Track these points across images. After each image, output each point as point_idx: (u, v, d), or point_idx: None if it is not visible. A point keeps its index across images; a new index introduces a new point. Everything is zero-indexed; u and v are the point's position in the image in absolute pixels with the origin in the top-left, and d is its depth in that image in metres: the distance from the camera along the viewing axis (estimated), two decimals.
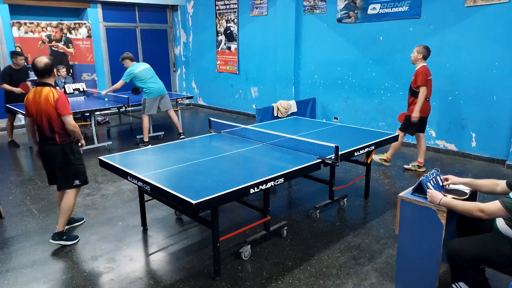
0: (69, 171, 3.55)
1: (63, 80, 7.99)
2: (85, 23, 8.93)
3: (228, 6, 9.43)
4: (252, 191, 2.81)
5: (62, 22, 8.62)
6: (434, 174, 2.76)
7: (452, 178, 2.78)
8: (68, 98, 8.37)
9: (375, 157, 5.69)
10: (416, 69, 5.12)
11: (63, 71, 8.02)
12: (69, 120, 3.41)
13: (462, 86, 5.93)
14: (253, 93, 9.37)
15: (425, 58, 5.11)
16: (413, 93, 5.16)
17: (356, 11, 6.99)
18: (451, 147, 6.22)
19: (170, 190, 2.70)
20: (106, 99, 7.48)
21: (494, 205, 2.27)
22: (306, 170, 3.28)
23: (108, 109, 6.96)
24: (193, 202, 2.49)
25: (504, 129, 5.60)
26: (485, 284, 2.79)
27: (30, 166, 6.08)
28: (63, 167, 3.52)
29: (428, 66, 5.00)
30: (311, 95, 7.97)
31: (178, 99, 7.86)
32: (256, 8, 8.75)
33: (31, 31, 8.19)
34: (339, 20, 7.28)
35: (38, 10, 8.51)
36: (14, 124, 7.26)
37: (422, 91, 5.00)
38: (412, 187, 2.73)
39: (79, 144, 3.63)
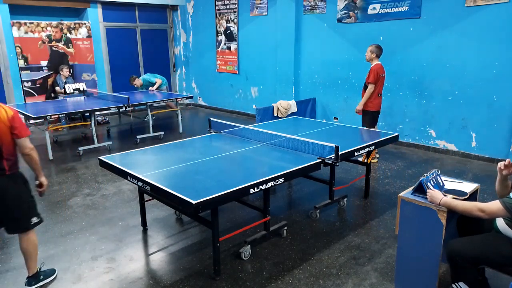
0: (24, 207, 2.84)
1: (64, 80, 7.99)
2: (85, 23, 8.93)
3: (228, 6, 9.42)
4: (252, 191, 2.81)
5: (62, 22, 8.61)
6: (434, 174, 2.76)
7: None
8: (68, 98, 8.35)
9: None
10: (370, 66, 5.44)
11: (66, 71, 8.02)
12: (28, 143, 2.76)
13: (462, 86, 5.93)
14: (253, 93, 9.37)
15: (378, 56, 5.46)
16: (366, 89, 5.52)
17: (356, 11, 6.99)
18: (451, 147, 6.22)
19: (170, 190, 2.70)
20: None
21: (494, 205, 2.28)
22: (306, 170, 3.28)
23: (108, 109, 6.96)
24: (193, 202, 2.49)
25: (504, 129, 5.60)
26: (485, 284, 2.79)
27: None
28: (17, 203, 2.79)
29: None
30: (311, 95, 7.96)
31: (178, 99, 7.86)
32: (256, 8, 8.74)
33: (31, 31, 8.19)
34: (339, 20, 7.28)
35: (38, 10, 8.51)
36: None
37: (370, 88, 5.40)
38: (412, 187, 2.74)
39: (37, 182, 2.94)
